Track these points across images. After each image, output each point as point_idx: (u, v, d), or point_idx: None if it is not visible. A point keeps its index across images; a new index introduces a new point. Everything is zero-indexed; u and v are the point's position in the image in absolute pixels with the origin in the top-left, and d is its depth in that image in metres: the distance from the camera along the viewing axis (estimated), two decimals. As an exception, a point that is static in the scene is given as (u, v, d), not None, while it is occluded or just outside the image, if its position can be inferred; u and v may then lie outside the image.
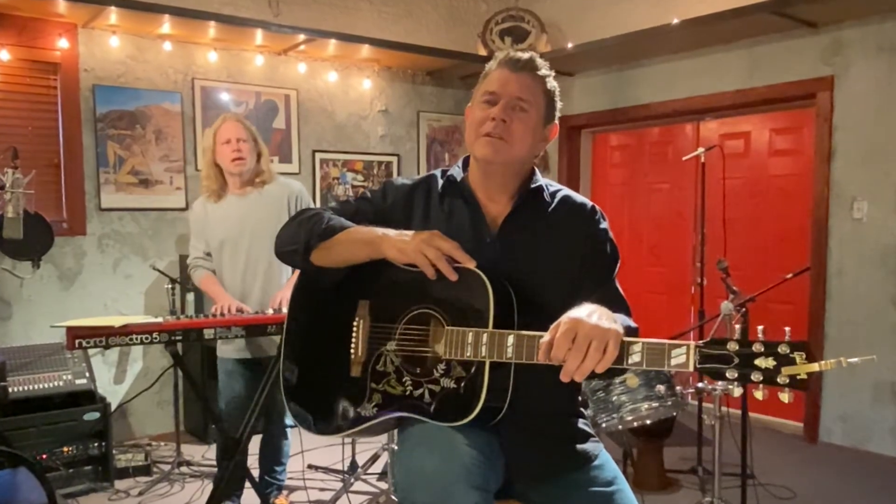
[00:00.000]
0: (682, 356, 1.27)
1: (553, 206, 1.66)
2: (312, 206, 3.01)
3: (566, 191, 1.70)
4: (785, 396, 1.21)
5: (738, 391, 1.26)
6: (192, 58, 4.62)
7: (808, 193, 4.42)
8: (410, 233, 1.54)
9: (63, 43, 4.15)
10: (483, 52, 5.16)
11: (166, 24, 4.24)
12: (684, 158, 3.97)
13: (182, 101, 4.57)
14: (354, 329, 1.62)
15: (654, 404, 2.97)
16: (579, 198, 1.70)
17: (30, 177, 3.49)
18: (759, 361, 1.23)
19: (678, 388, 3.05)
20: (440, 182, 1.70)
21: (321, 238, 1.62)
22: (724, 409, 2.99)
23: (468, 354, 1.46)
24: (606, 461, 1.62)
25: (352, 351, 1.62)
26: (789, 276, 3.34)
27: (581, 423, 1.66)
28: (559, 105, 1.67)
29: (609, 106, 5.35)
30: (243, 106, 4.81)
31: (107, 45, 4.30)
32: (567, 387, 1.52)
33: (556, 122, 1.67)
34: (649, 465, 3.56)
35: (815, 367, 1.19)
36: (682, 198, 5.23)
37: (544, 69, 1.63)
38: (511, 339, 1.42)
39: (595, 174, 5.85)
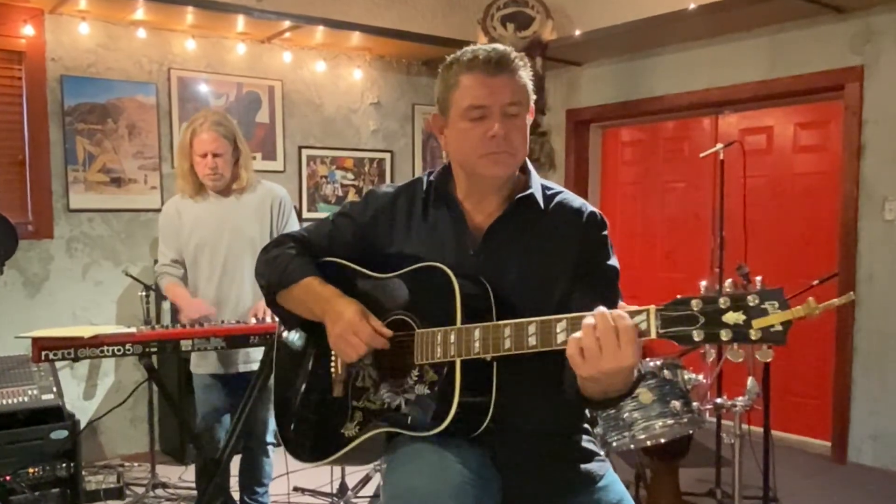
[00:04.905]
0: (643, 323, 1.24)
1: (547, 212, 1.64)
2: (294, 215, 3.18)
3: (565, 194, 1.69)
4: (763, 355, 1.17)
5: (711, 354, 1.22)
6: (169, 46, 4.63)
7: (836, 193, 4.43)
8: (344, 310, 1.57)
9: (28, 30, 4.15)
10: (483, 39, 5.16)
11: (140, 10, 4.24)
12: (701, 155, 3.98)
13: (157, 92, 4.58)
14: None
15: (669, 421, 2.96)
16: (577, 202, 1.67)
17: (-8, 175, 3.50)
18: (727, 317, 1.16)
19: (695, 404, 3.04)
20: (424, 190, 1.71)
21: (279, 286, 1.68)
22: (744, 426, 2.98)
23: (438, 355, 1.47)
24: (612, 482, 1.63)
25: (331, 370, 1.66)
26: (815, 282, 3.35)
27: (585, 441, 1.67)
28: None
29: (620, 98, 5.36)
30: (223, 98, 4.82)
31: (76, 32, 4.31)
32: (566, 403, 1.52)
33: (533, 104, 1.63)
34: (664, 487, 3.55)
35: (788, 314, 1.13)
36: (699, 198, 5.24)
37: (519, 60, 1.58)
38: (477, 333, 1.43)
39: (605, 172, 5.86)
